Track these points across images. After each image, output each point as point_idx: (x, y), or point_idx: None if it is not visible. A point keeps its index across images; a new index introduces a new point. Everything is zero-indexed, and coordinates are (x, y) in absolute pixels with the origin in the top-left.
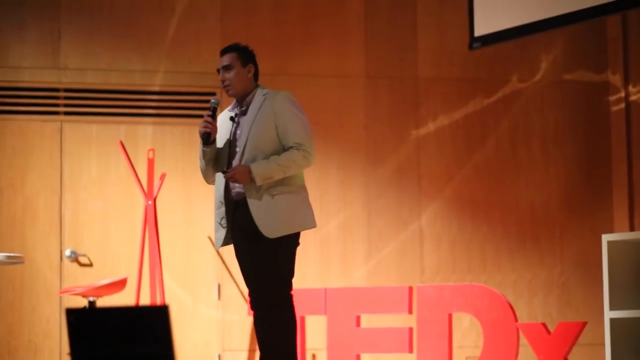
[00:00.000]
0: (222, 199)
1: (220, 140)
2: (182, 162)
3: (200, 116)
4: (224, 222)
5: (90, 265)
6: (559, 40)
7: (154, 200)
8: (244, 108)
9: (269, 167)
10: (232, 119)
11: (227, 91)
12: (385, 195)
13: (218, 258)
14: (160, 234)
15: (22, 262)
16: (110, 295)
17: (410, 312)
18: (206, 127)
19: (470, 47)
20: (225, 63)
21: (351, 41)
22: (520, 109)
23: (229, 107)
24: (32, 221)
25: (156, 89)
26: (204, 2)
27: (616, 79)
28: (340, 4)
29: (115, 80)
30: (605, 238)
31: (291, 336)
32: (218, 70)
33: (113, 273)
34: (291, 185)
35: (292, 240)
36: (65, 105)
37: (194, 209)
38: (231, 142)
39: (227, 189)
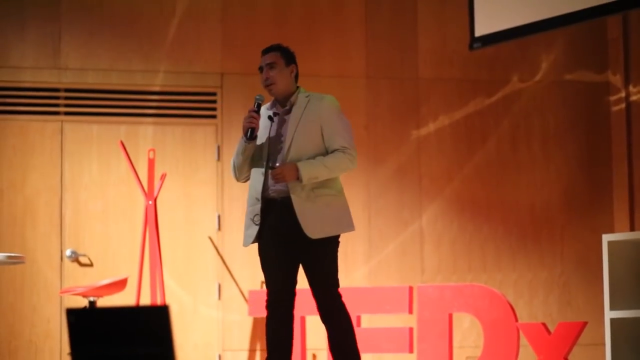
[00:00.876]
0: (258, 196)
1: (259, 137)
2: (182, 162)
3: (201, 116)
4: (257, 219)
5: (91, 265)
6: (559, 40)
7: (155, 200)
8: (287, 107)
9: (316, 166)
10: (270, 117)
11: (269, 90)
12: (386, 195)
13: (218, 258)
14: (160, 234)
15: (22, 262)
16: (111, 295)
17: (410, 312)
18: (251, 122)
19: (471, 47)
20: (269, 61)
21: (352, 41)
22: (521, 109)
23: (267, 106)
24: (32, 221)
25: (157, 89)
26: (204, 3)
27: (617, 79)
28: (340, 4)
29: (115, 81)
30: (606, 238)
31: (353, 331)
32: (260, 69)
33: (113, 273)
34: (332, 188)
35: (335, 241)
36: (66, 106)
37: (194, 209)
38: (271, 140)
39: (264, 186)
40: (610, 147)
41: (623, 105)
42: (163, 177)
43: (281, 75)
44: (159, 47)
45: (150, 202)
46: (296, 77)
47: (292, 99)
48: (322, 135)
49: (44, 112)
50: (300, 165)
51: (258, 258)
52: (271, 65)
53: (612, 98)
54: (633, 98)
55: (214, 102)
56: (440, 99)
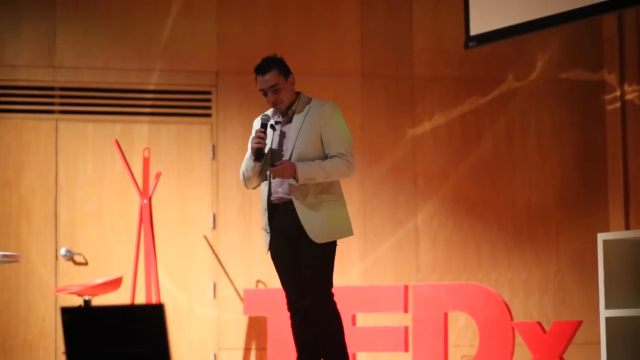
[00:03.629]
0: (265, 204)
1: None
2: (177, 160)
3: (196, 115)
4: (267, 227)
5: (86, 264)
6: (554, 39)
7: (150, 199)
8: (288, 116)
9: (313, 168)
10: (272, 127)
11: (278, 109)
12: (381, 194)
13: (214, 257)
14: (155, 233)
15: (17, 261)
16: (106, 294)
17: (406, 311)
18: (259, 143)
19: (466, 46)
20: (272, 84)
21: (347, 40)
22: (516, 108)
23: (266, 114)
24: (27, 220)
25: (152, 87)
26: (199, 2)
27: (612, 78)
28: (336, 3)
29: (110, 79)
30: (601, 237)
31: (342, 330)
32: (263, 91)
33: (108, 272)
34: (333, 194)
35: (334, 244)
36: (61, 104)
37: (189, 207)
38: (273, 150)
39: (269, 193)
40: (606, 145)
41: (618, 104)
42: (158, 175)
43: (285, 92)
44: (154, 45)
45: (145, 201)
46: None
47: (294, 107)
48: (321, 141)
49: (39, 110)
50: (298, 165)
51: (253, 257)
52: (275, 89)
53: (608, 97)
54: (628, 97)
55: (209, 100)
56: (436, 98)
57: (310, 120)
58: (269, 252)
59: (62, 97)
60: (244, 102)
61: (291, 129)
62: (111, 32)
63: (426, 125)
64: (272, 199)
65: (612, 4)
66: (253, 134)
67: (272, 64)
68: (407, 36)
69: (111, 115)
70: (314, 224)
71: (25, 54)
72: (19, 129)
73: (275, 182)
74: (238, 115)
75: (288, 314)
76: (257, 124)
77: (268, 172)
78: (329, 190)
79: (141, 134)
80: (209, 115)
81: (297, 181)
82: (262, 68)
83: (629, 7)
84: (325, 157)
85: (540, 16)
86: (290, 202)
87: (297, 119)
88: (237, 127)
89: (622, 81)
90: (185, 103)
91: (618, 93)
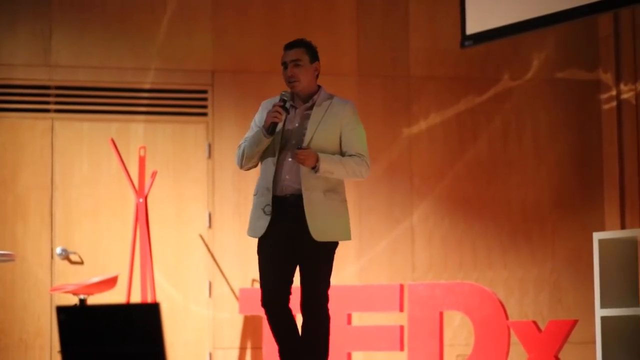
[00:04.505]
0: (270, 186)
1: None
2: (173, 159)
3: (192, 114)
4: (268, 209)
5: (81, 263)
6: (550, 38)
7: (145, 198)
8: (308, 104)
9: (335, 162)
10: (286, 109)
11: (293, 87)
12: (377, 193)
13: (209, 256)
14: (151, 232)
15: (12, 260)
16: (101, 293)
17: (401, 310)
18: (276, 117)
19: (462, 45)
20: (294, 57)
21: (343, 39)
22: (512, 107)
23: (286, 92)
24: (23, 219)
25: (147, 86)
26: (195, 1)
27: (608, 77)
28: (332, 2)
29: (106, 78)
30: (597, 236)
31: (329, 334)
32: (284, 64)
33: (104, 271)
34: (340, 194)
35: (335, 245)
36: (57, 103)
37: (185, 206)
38: (286, 132)
39: (276, 177)
40: (601, 145)
41: (614, 104)
42: (154, 174)
43: (305, 72)
44: (150, 44)
45: (140, 200)
46: (318, 75)
47: (315, 97)
48: (340, 139)
49: (35, 109)
50: (320, 155)
51: (249, 256)
52: (296, 63)
53: (603, 96)
54: (624, 96)
55: (205, 99)
56: (432, 97)
57: (331, 116)
58: (258, 238)
59: (57, 96)
60: (240, 101)
61: (311, 119)
62: (107, 31)
63: (422, 125)
64: (282, 186)
65: (607, 4)
66: (260, 112)
67: (302, 43)
68: (403, 35)
69: (107, 115)
70: (318, 221)
71: (21, 53)
72: (15, 128)
73: (285, 167)
74: (234, 115)
75: (264, 309)
76: (267, 103)
77: (289, 153)
78: (337, 190)
79: (137, 133)
80: (204, 115)
81: (316, 171)
82: (291, 44)
83: (624, 7)
84: (340, 154)
85: (536, 15)
86: (297, 194)
87: (317, 111)
88: (233, 127)
89: (617, 80)
90: (181, 102)
91: (614, 92)
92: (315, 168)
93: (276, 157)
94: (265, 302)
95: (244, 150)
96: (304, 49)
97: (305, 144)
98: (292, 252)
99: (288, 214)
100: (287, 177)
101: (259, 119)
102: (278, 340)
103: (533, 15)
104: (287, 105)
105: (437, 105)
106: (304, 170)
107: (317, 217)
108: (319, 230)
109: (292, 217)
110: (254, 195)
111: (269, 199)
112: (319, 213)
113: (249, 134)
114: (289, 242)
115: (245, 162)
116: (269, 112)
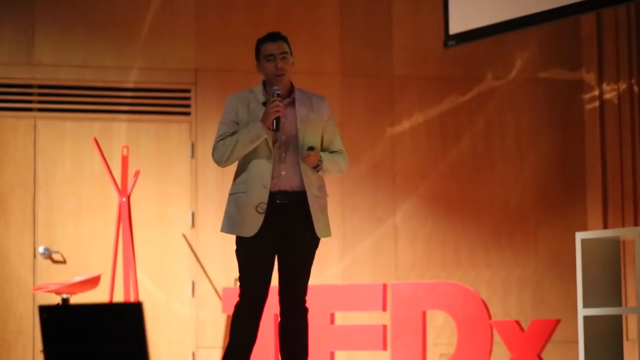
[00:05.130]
0: (266, 182)
1: (247, 122)
2: (156, 159)
3: (175, 113)
4: (263, 207)
5: (64, 262)
6: (533, 38)
7: (128, 197)
8: (289, 99)
9: (332, 161)
10: (264, 104)
11: (280, 80)
12: (360, 192)
13: (192, 255)
14: (134, 231)
15: None
16: (84, 292)
17: (384, 309)
18: (278, 111)
19: (445, 45)
20: (282, 50)
21: (327, 39)
22: (495, 107)
23: (253, 90)
24: (5, 218)
25: (130, 85)
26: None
27: (590, 77)
28: (315, 2)
29: (89, 77)
30: (579, 236)
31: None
32: (272, 56)
33: (87, 270)
34: (325, 190)
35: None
36: (39, 102)
37: (168, 206)
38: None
39: (273, 174)
40: (584, 145)
41: (597, 104)
42: (137, 174)
43: (290, 67)
44: (132, 43)
45: (123, 199)
46: None
47: (294, 93)
48: (322, 135)
49: (17, 108)
50: (323, 155)
51: (232, 255)
52: (284, 57)
53: (586, 96)
54: (607, 96)
55: (188, 99)
56: (415, 97)
57: (314, 111)
58: (246, 239)
59: (40, 94)
60: (223, 100)
61: (298, 118)
62: (89, 30)
63: (405, 124)
64: (280, 183)
65: (590, 4)
66: (235, 108)
67: (284, 37)
68: (386, 35)
69: (90, 113)
70: (320, 217)
71: (3, 51)
72: None
73: (282, 163)
74: (217, 114)
75: (244, 310)
76: (239, 99)
77: (272, 156)
78: (324, 186)
79: (120, 132)
80: (188, 114)
81: (319, 170)
82: (274, 36)
83: (607, 7)
84: (322, 150)
85: (519, 15)
86: (297, 191)
87: (301, 105)
88: (216, 125)
89: (600, 80)
90: (164, 101)
91: (597, 92)
92: (318, 167)
93: (271, 154)
94: (248, 303)
95: (232, 149)
96: (286, 43)
97: (300, 144)
98: (279, 250)
99: (288, 210)
100: (283, 173)
101: (238, 115)
102: (237, 341)
103: (516, 15)
104: (276, 95)
105: (420, 104)
106: (303, 165)
107: (319, 214)
108: (322, 227)
109: (293, 213)
110: (239, 192)
111: (264, 196)
112: (317, 209)
113: (224, 130)
114: (281, 240)
115: (231, 160)
116: (267, 108)
